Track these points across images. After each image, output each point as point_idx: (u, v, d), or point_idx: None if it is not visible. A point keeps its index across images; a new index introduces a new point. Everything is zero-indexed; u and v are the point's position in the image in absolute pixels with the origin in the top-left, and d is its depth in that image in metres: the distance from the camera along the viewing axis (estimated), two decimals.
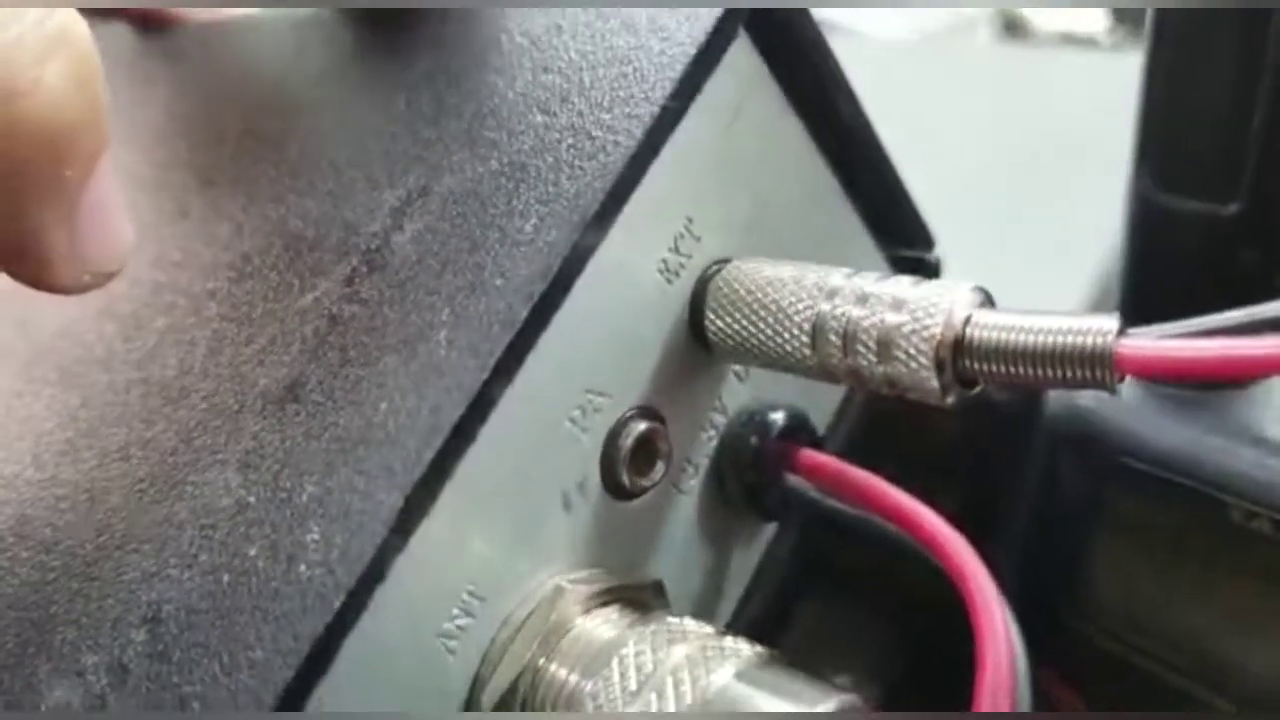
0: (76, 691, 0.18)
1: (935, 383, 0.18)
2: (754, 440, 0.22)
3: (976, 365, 0.18)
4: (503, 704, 0.19)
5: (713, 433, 0.22)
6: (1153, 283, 0.30)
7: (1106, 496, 0.29)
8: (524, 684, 0.19)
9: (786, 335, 0.20)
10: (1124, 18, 0.75)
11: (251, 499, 0.19)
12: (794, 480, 0.23)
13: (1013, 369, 0.17)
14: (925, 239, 0.25)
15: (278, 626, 0.17)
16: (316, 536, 0.18)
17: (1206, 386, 0.28)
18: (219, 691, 0.17)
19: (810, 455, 0.23)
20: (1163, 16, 0.28)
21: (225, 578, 0.18)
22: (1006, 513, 0.31)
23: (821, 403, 0.24)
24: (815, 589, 0.30)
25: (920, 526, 0.20)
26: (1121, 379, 0.17)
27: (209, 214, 0.27)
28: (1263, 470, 0.26)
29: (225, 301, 0.24)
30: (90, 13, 0.35)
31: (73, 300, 0.25)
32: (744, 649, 0.18)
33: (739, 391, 0.23)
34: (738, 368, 0.23)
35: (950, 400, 0.18)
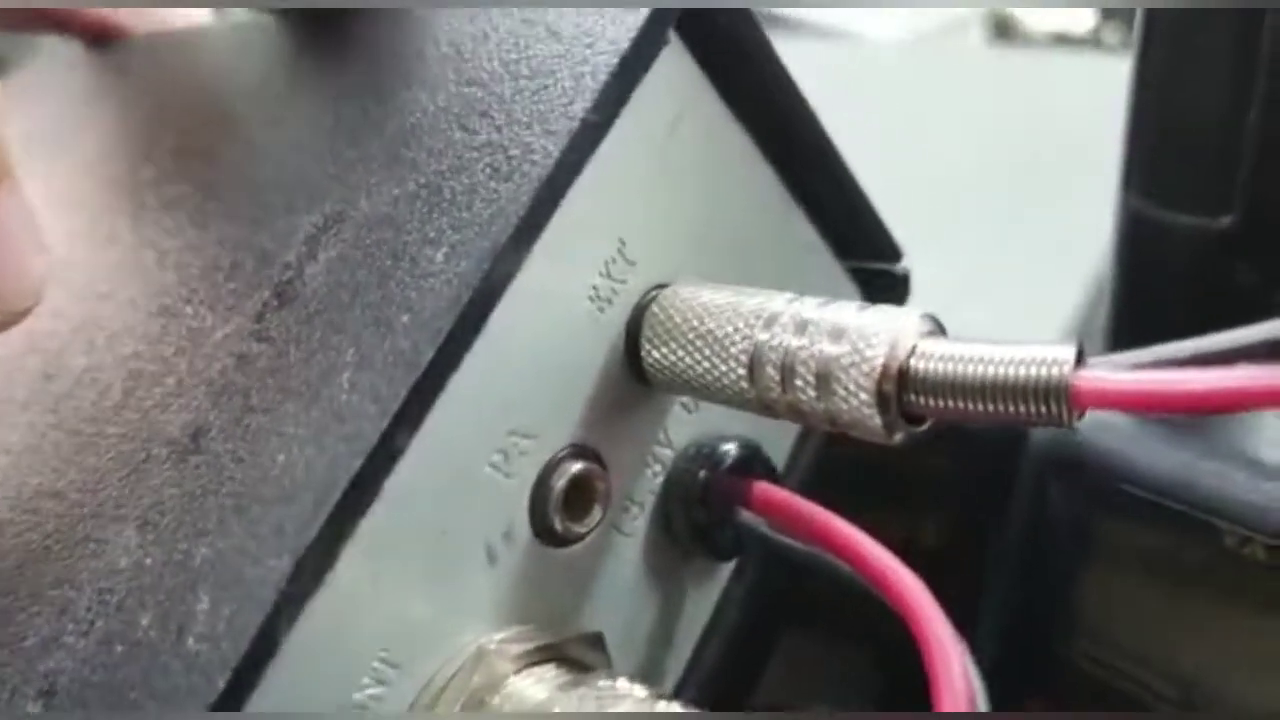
0: None
1: (878, 420, 0.16)
2: (703, 475, 0.21)
3: (922, 400, 0.16)
4: None
5: (658, 468, 0.21)
6: (1143, 302, 0.28)
7: (1098, 523, 0.28)
8: None
9: (723, 368, 0.18)
10: (1111, 16, 0.73)
11: (148, 560, 0.18)
12: (747, 517, 0.21)
13: (962, 404, 0.16)
14: (891, 250, 0.24)
15: (165, 705, 0.16)
16: (205, 605, 0.16)
17: None
18: None
19: (764, 489, 0.21)
20: (1151, 21, 0.26)
21: (118, 649, 0.17)
22: (995, 541, 0.30)
23: (778, 434, 0.23)
24: (778, 628, 0.28)
25: (868, 564, 0.19)
26: (1080, 415, 0.15)
27: (137, 240, 0.26)
28: (1257, 495, 0.24)
29: (143, 339, 0.22)
30: (43, 25, 0.34)
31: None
32: (686, 715, 0.17)
33: (686, 423, 0.21)
34: (686, 399, 0.21)
35: (896, 439, 0.16)
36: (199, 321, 0.21)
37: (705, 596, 0.22)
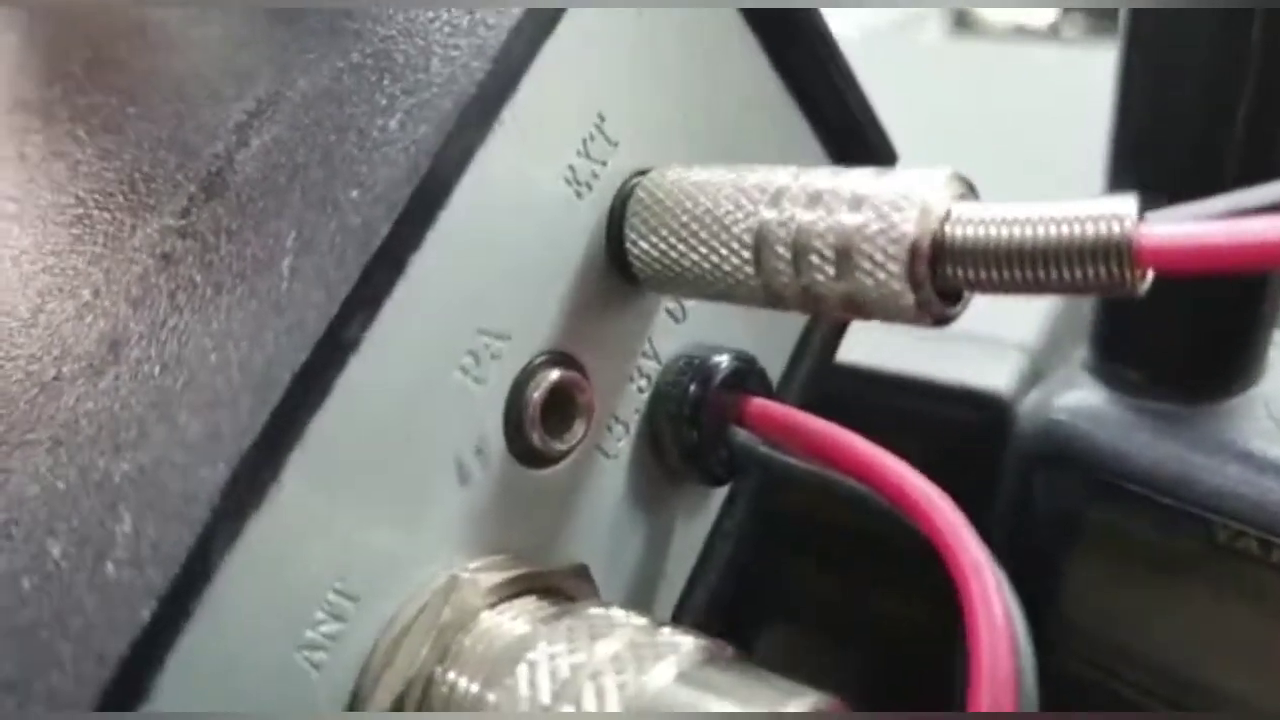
0: None
1: (910, 298, 0.14)
2: (693, 390, 0.19)
3: (960, 272, 0.14)
4: None
5: (644, 383, 0.19)
6: (1133, 302, 0.27)
7: (1087, 516, 0.28)
8: (413, 696, 0.15)
9: (723, 252, 0.16)
10: (1072, 10, 0.73)
11: (60, 484, 0.15)
12: (742, 435, 0.19)
13: (1006, 273, 0.14)
14: (887, 151, 0.22)
15: (79, 645, 0.13)
16: (127, 527, 0.14)
17: (1188, 400, 0.27)
18: None
19: (760, 404, 0.19)
20: (1137, 17, 0.25)
21: (25, 584, 0.14)
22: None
23: (773, 344, 0.21)
24: (777, 562, 0.26)
25: (891, 483, 0.17)
26: (1144, 275, 0.13)
27: (47, 154, 0.23)
28: (1250, 488, 0.24)
29: (52, 253, 0.20)
30: None
31: None
32: (686, 643, 0.15)
33: (674, 334, 0.19)
34: (670, 303, 0.19)
35: (928, 320, 0.14)
36: (116, 227, 0.19)
37: (696, 527, 0.20)
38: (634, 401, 0.18)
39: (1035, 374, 0.30)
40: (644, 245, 0.17)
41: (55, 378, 0.17)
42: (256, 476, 0.13)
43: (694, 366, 0.19)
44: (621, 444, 0.18)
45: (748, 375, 0.19)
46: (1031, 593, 0.28)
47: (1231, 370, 0.27)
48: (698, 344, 0.19)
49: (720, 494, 0.20)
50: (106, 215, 0.19)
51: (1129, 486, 0.26)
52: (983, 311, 0.31)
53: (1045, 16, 0.75)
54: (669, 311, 0.19)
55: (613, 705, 0.14)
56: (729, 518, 0.21)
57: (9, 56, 0.29)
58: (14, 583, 0.14)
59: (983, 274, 0.14)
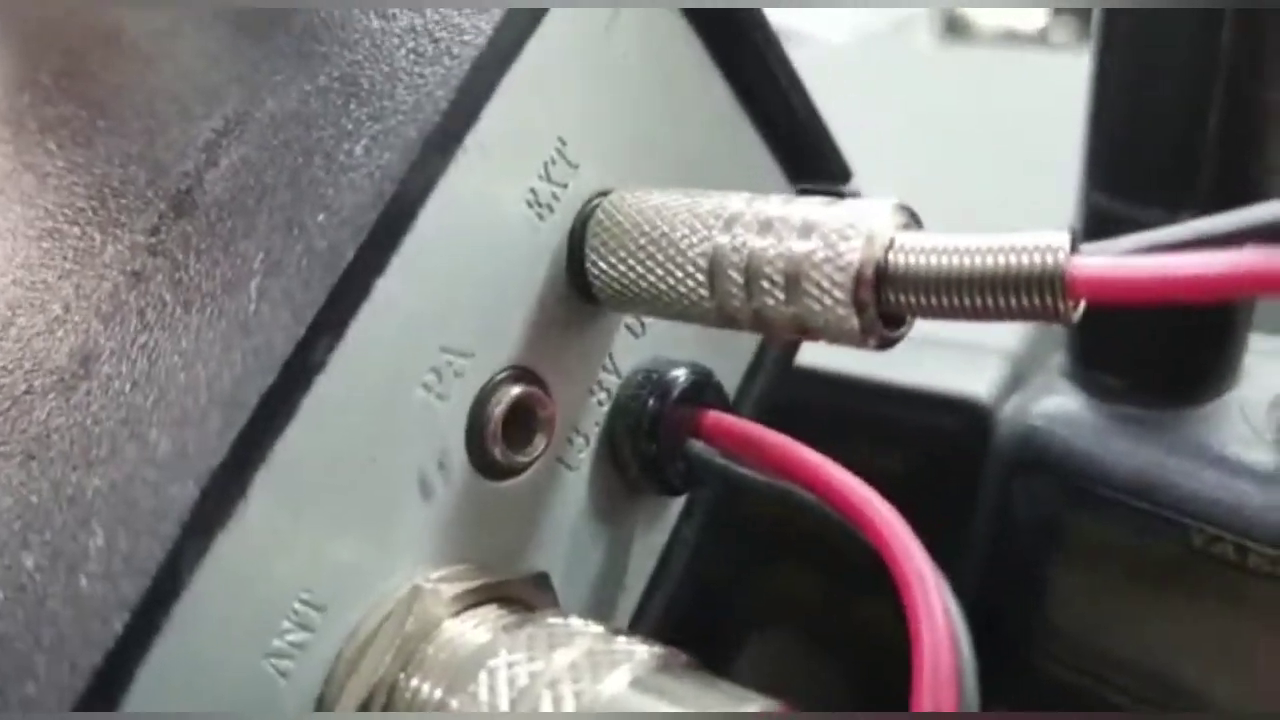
0: None
1: (855, 322, 0.15)
2: (652, 404, 0.19)
3: (903, 298, 0.15)
4: None
5: (604, 396, 0.19)
6: (1110, 310, 0.28)
7: (1065, 522, 0.28)
8: (377, 701, 0.16)
9: (679, 275, 0.16)
10: (1061, 13, 0.74)
11: (34, 498, 0.15)
12: (699, 447, 0.19)
13: (946, 300, 0.14)
14: (841, 168, 0.22)
15: (52, 656, 0.14)
16: (100, 541, 0.14)
17: (1165, 405, 0.27)
18: None
19: (716, 417, 0.20)
20: (1112, 17, 0.25)
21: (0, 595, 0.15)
22: (959, 544, 0.29)
23: (730, 359, 0.21)
24: (734, 568, 0.27)
25: (838, 492, 0.17)
26: (1076, 305, 0.14)
27: (16, 165, 0.23)
28: (1226, 493, 0.24)
29: (22, 266, 0.20)
30: None
31: None
32: (640, 650, 0.15)
33: (634, 349, 0.19)
34: (630, 320, 0.19)
35: (872, 343, 0.15)
36: (86, 242, 0.19)
37: (654, 537, 0.21)
38: (594, 414, 0.19)
39: (1015, 380, 0.30)
40: (603, 266, 0.17)
41: (26, 391, 0.17)
42: (224, 494, 0.14)
43: (652, 381, 0.19)
44: (582, 456, 0.19)
45: (704, 389, 0.20)
46: (1014, 597, 0.29)
47: (1207, 376, 0.28)
48: (656, 358, 0.20)
49: (678, 504, 0.21)
50: (76, 230, 0.19)
51: (1107, 492, 0.27)
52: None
53: (1035, 21, 0.76)
54: (628, 327, 0.19)
55: (568, 709, 0.14)
56: (686, 527, 0.21)
57: None
58: None
59: (924, 300, 0.15)
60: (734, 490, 0.20)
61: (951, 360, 0.30)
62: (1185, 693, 0.28)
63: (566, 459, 0.19)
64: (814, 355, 0.22)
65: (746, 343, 0.21)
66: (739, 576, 0.33)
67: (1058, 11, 0.75)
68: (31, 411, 0.17)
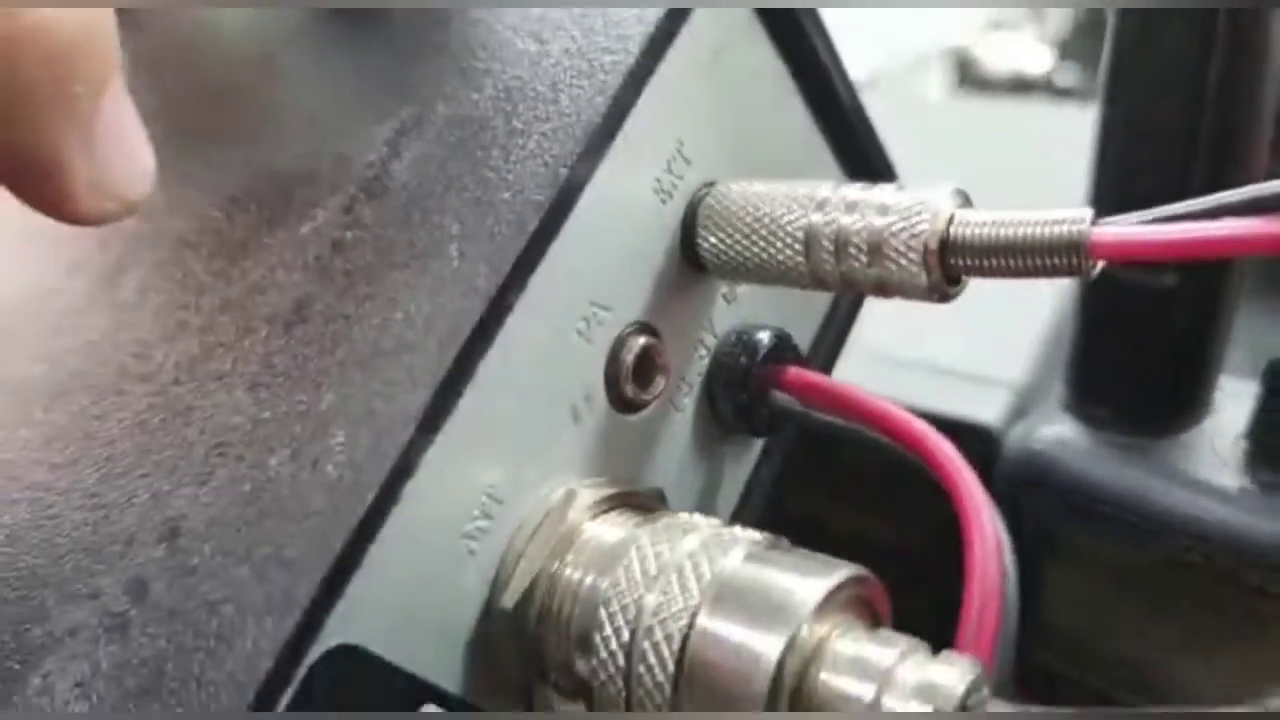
0: (93, 614, 0.18)
1: (924, 279, 0.19)
2: (743, 360, 0.23)
3: (962, 261, 0.19)
4: (521, 605, 0.19)
5: (704, 353, 0.23)
6: (1099, 349, 0.33)
7: (1062, 534, 0.33)
8: (540, 588, 0.20)
9: (780, 245, 0.21)
10: (1067, 56, 0.79)
11: (266, 414, 0.19)
12: (781, 397, 0.24)
13: (995, 262, 0.19)
14: (889, 170, 0.27)
15: (309, 525, 0.17)
16: (341, 440, 0.18)
17: (1148, 434, 0.32)
18: (251, 594, 0.17)
19: (797, 373, 0.24)
20: (1115, 77, 0.30)
21: (246, 487, 0.18)
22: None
23: (803, 324, 0.25)
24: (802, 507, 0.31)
25: (906, 431, 0.22)
26: (1094, 265, 0.18)
27: (188, 162, 0.27)
28: (1196, 509, 0.29)
29: (215, 240, 0.24)
30: None
31: (40, 257, 0.24)
32: (752, 535, 0.19)
33: (727, 314, 0.24)
34: (725, 290, 0.24)
35: (936, 297, 0.19)
36: (279, 220, 0.23)
37: (740, 471, 0.25)
38: (697, 366, 0.23)
39: (1020, 409, 0.35)
40: (713, 240, 0.22)
41: (242, 336, 0.21)
42: (445, 402, 0.18)
43: (743, 341, 0.24)
44: (687, 400, 0.23)
45: (785, 349, 0.24)
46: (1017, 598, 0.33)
47: (1183, 410, 0.33)
48: (745, 321, 0.24)
49: (758, 447, 0.25)
50: (266, 211, 0.23)
51: (1097, 508, 0.31)
52: (978, 354, 0.37)
53: (1042, 64, 0.81)
54: (724, 296, 0.24)
55: (705, 576, 0.18)
56: (765, 468, 0.25)
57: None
58: (237, 487, 0.18)
59: (978, 262, 0.19)
60: (810, 431, 0.24)
61: (966, 391, 0.35)
62: (1159, 679, 0.32)
63: (676, 402, 0.23)
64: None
65: (816, 310, 0.26)
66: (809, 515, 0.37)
67: (1063, 54, 0.79)
68: (252, 349, 0.20)
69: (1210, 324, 0.32)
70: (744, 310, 0.24)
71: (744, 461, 0.25)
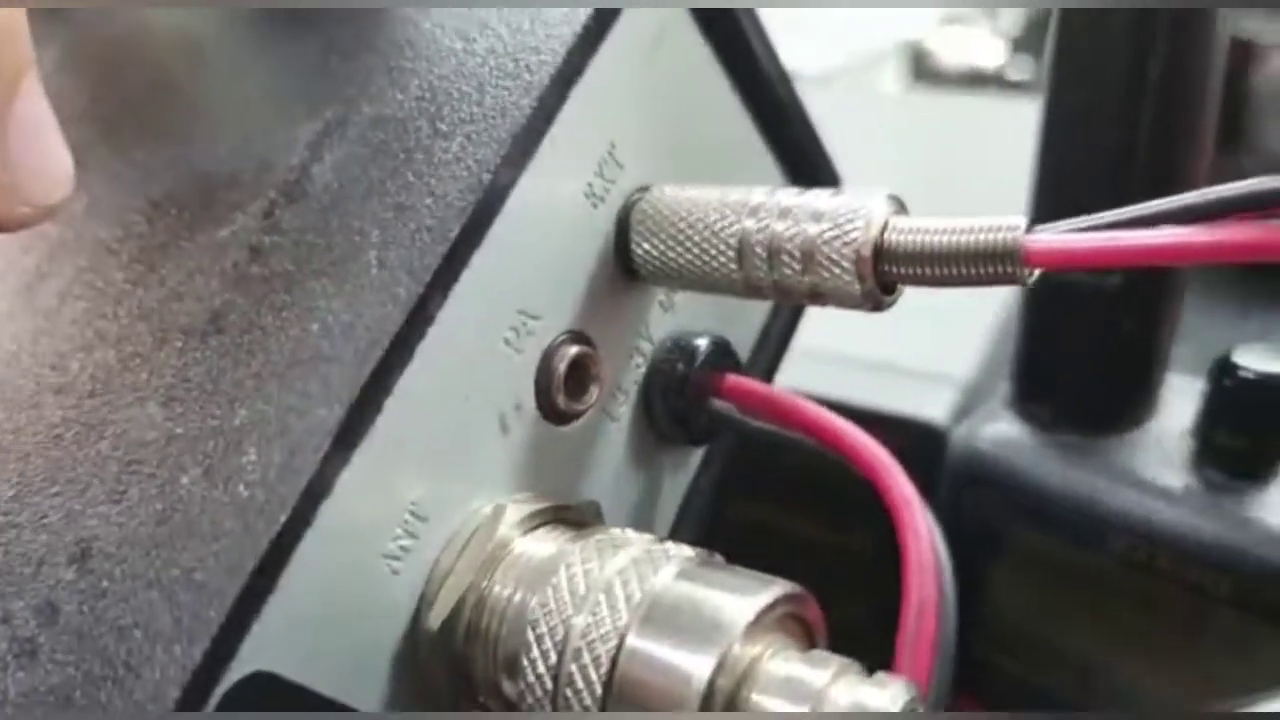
0: (2, 638, 0.17)
1: (857, 288, 0.19)
2: (680, 367, 0.23)
3: (896, 269, 0.18)
4: (448, 625, 0.19)
5: (640, 360, 0.23)
6: (1043, 348, 0.33)
7: (1007, 532, 0.33)
8: (468, 606, 0.19)
9: (712, 253, 0.20)
10: (1019, 49, 0.80)
11: (179, 430, 0.19)
12: (720, 405, 0.23)
13: (930, 270, 0.18)
14: (831, 175, 0.26)
15: (221, 547, 0.17)
16: (253, 457, 0.17)
17: (1093, 433, 0.32)
18: (160, 619, 0.17)
19: (736, 380, 0.23)
20: (1058, 68, 0.30)
21: (158, 506, 0.18)
22: None
23: (743, 331, 0.25)
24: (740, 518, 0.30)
25: (842, 441, 0.21)
26: (1030, 273, 0.18)
27: (112, 164, 0.26)
28: (1141, 509, 0.29)
29: (136, 245, 0.23)
30: None
31: None
32: (684, 551, 0.19)
33: (664, 321, 0.23)
34: (662, 297, 0.23)
35: (869, 306, 0.19)
36: (199, 225, 0.22)
37: (679, 481, 0.24)
38: (633, 375, 0.23)
39: (966, 407, 0.35)
40: (646, 246, 0.21)
41: (157, 347, 0.20)
42: (362, 417, 0.17)
43: (680, 347, 0.23)
44: (623, 409, 0.23)
45: (724, 355, 0.24)
46: (961, 593, 0.34)
47: (1128, 409, 0.33)
48: (683, 329, 0.23)
49: (698, 457, 0.25)
50: (187, 215, 0.23)
51: (1042, 506, 0.31)
52: (925, 352, 0.36)
53: (996, 58, 0.82)
54: (660, 302, 0.23)
55: (634, 595, 0.18)
56: (705, 477, 0.25)
57: (52, 71, 0.31)
58: (148, 506, 0.18)
59: (912, 270, 0.18)
60: (748, 438, 0.23)
61: (912, 388, 0.35)
62: (1103, 679, 0.32)
63: (611, 411, 0.22)
64: (791, 379, 0.26)
65: (757, 317, 0.25)
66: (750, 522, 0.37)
67: (1015, 47, 0.80)
68: (167, 361, 0.20)
69: (1155, 324, 0.32)
70: (681, 318, 0.23)
71: (683, 471, 0.25)
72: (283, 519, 0.17)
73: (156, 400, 0.19)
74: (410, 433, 0.18)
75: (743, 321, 0.25)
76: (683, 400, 0.23)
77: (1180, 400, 0.33)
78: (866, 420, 0.35)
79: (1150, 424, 0.32)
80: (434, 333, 0.18)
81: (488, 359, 0.19)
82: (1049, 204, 0.31)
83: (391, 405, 0.18)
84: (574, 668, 0.17)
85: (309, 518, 0.17)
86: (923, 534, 0.19)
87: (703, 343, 0.23)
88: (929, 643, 0.18)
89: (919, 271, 0.18)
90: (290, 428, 0.17)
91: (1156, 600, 0.30)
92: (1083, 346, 0.32)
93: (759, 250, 0.20)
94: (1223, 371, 0.30)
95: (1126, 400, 0.33)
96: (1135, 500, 0.30)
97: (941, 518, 0.33)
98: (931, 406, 0.35)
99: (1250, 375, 0.29)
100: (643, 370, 0.23)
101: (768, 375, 0.25)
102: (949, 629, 0.19)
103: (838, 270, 0.19)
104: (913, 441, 0.34)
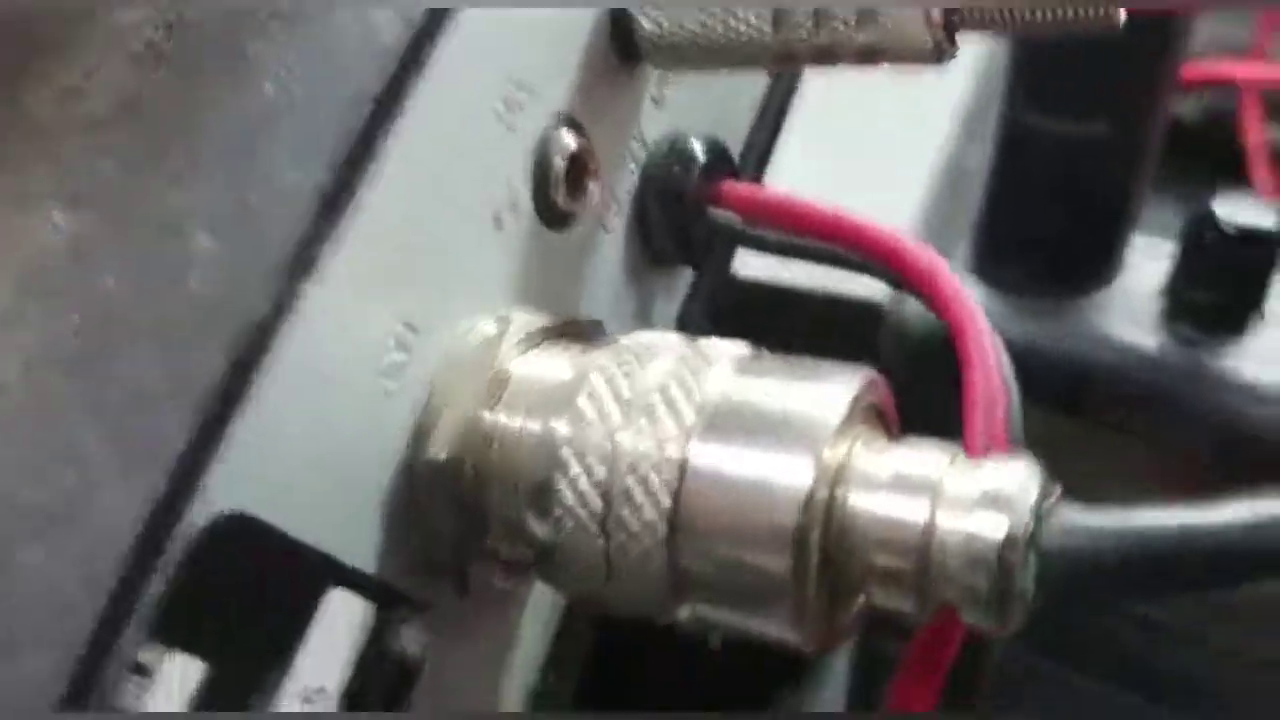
0: None
1: (928, 36, 0.16)
2: (677, 170, 0.20)
3: (963, 16, 0.16)
4: (454, 458, 0.16)
5: (634, 166, 0.20)
6: (1013, 208, 0.32)
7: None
8: (475, 435, 0.16)
9: (741, 14, 0.17)
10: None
11: (89, 232, 0.14)
12: (720, 214, 0.20)
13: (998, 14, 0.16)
14: None
15: (169, 355, 0.13)
16: (205, 243, 0.13)
17: (1059, 295, 0.31)
18: (98, 453, 0.13)
19: (733, 186, 0.20)
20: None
21: (74, 319, 0.14)
22: None
23: (734, 127, 0.22)
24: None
25: (861, 235, 0.19)
26: (1120, 14, 0.16)
27: None
28: (1113, 370, 0.29)
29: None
30: None
31: None
32: (728, 348, 0.16)
33: (656, 119, 0.20)
34: (654, 92, 0.20)
35: (939, 59, 0.16)
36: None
37: (669, 307, 0.22)
38: (627, 182, 0.20)
39: None
40: (660, 19, 0.18)
41: (55, 142, 0.16)
42: (350, 180, 0.14)
43: (676, 151, 0.20)
44: (617, 220, 0.19)
45: (720, 159, 0.21)
46: None
47: (1094, 268, 0.31)
48: (675, 128, 0.20)
49: (686, 281, 0.22)
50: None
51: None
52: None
53: None
54: (651, 98, 0.20)
55: (693, 399, 0.15)
56: (693, 302, 0.22)
57: None
58: (56, 322, 0.14)
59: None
60: (751, 244, 0.21)
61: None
62: None
63: (605, 222, 0.19)
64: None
65: (748, 108, 0.22)
66: None
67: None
68: (68, 162, 0.15)
69: (1135, 176, 0.31)
70: (674, 114, 0.20)
71: (673, 296, 0.22)
72: (257, 312, 0.13)
73: (58, 204, 0.15)
74: (400, 213, 0.15)
75: (732, 122, 0.22)
76: (681, 208, 0.20)
77: (1144, 261, 0.32)
78: (806, 301, 0.33)
79: (1116, 283, 0.32)
80: (423, 87, 0.15)
81: (479, 130, 0.16)
82: (1022, 102, 0.30)
83: (378, 172, 0.14)
84: (631, 480, 0.14)
85: (287, 308, 0.13)
86: (978, 317, 0.17)
87: (699, 146, 0.20)
88: (1002, 431, 0.16)
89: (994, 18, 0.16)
90: (251, 205, 0.13)
91: (1125, 452, 0.30)
92: (1056, 202, 0.31)
93: (801, 15, 0.17)
94: (1200, 227, 0.29)
95: (1092, 258, 0.32)
96: (1100, 358, 0.30)
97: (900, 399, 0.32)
98: (868, 285, 0.32)
99: (1230, 229, 0.28)
100: (635, 176, 0.20)
101: (758, 175, 0.23)
102: (1017, 424, 0.17)
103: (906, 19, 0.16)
104: (850, 324, 0.31)
